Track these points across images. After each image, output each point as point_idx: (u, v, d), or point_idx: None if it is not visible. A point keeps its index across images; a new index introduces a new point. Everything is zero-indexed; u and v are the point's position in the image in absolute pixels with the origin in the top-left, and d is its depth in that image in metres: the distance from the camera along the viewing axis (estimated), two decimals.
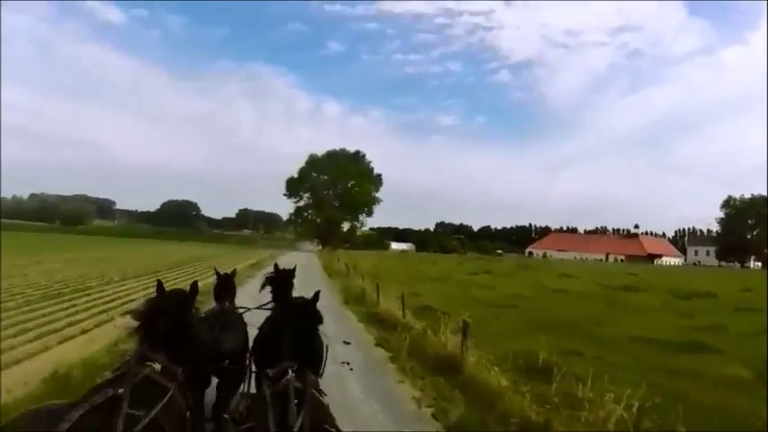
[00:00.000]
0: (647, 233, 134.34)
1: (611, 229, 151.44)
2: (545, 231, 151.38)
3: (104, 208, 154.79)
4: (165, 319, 3.21)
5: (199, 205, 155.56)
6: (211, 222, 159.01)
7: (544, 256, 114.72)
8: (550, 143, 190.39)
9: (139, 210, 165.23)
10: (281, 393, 2.86)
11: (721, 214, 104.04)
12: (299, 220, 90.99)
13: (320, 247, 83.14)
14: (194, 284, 3.61)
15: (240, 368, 4.91)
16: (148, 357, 2.92)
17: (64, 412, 2.24)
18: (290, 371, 3.08)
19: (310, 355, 3.57)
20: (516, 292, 22.88)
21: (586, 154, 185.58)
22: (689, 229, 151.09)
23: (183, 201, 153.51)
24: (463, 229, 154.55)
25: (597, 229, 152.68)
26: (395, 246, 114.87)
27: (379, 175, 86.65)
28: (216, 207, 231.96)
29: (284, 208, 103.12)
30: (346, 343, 10.74)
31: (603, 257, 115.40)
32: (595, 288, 25.99)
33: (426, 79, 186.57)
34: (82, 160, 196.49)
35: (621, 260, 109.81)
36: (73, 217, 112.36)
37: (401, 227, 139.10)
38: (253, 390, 4.57)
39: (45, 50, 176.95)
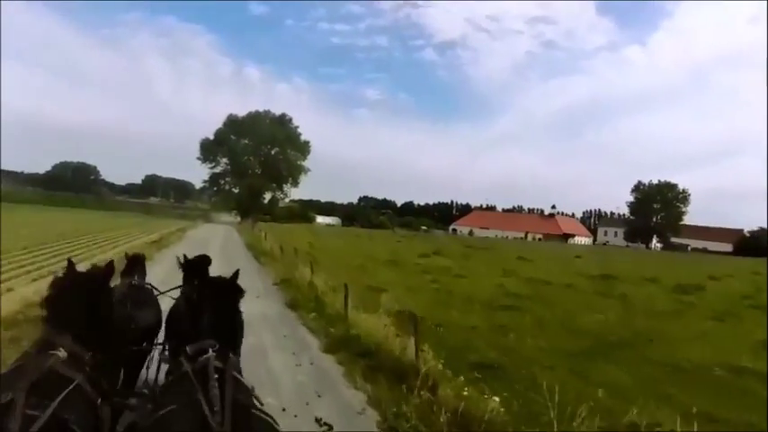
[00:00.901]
0: (559, 214, 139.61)
1: (526, 209, 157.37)
2: (465, 209, 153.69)
3: None
4: (73, 297, 2.82)
5: (99, 169, 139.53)
6: (114, 188, 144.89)
7: (470, 233, 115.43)
8: (472, 123, 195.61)
9: (27, 171, 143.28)
10: (200, 372, 2.61)
11: (631, 198, 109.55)
12: (215, 189, 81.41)
13: (239, 220, 75.13)
14: (110, 263, 3.22)
15: (150, 346, 4.61)
16: (53, 344, 2.56)
17: None
18: (210, 350, 2.79)
19: (231, 334, 3.17)
20: (497, 282, 18.54)
21: (505, 135, 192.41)
22: (595, 211, 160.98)
23: (79, 163, 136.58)
24: (387, 204, 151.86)
25: (514, 207, 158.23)
26: (320, 219, 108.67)
27: (307, 142, 79.02)
28: (120, 172, 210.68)
29: (198, 175, 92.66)
30: (323, 425, 5.39)
31: (523, 235, 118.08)
32: (575, 278, 22.39)
33: (352, 51, 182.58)
34: None
35: (539, 239, 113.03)
36: None
37: (323, 200, 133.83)
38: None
39: None
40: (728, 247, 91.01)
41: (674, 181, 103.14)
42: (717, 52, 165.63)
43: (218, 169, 78.86)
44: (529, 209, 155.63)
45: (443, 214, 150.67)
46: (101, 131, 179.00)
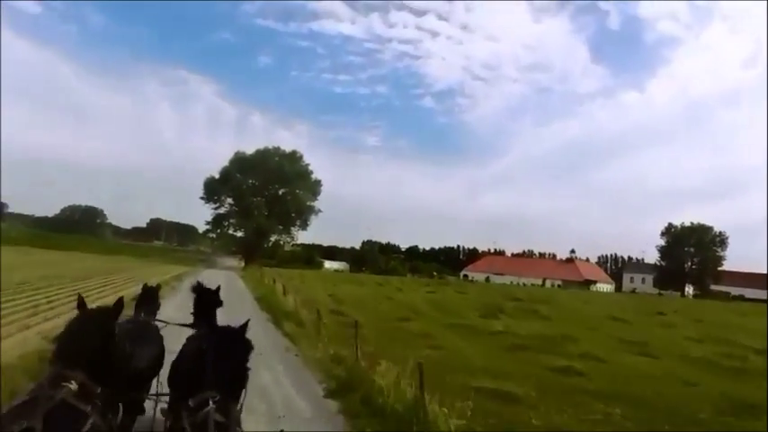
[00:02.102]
0: (577, 258, 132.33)
1: (537, 253, 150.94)
2: (473, 253, 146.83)
3: None
4: (85, 334, 2.93)
5: (105, 212, 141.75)
6: (119, 231, 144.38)
7: (487, 279, 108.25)
8: (471, 167, 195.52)
9: (36, 214, 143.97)
10: (199, 426, 2.67)
11: (661, 241, 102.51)
12: (219, 231, 74.56)
13: (243, 264, 68.05)
14: (120, 300, 3.30)
15: (147, 388, 4.62)
16: (65, 377, 2.62)
17: None
18: (210, 401, 2.83)
19: (234, 386, 3.22)
20: (666, 370, 11.64)
21: (504, 178, 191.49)
22: (611, 256, 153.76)
23: (87, 206, 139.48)
24: (392, 248, 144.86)
25: (524, 252, 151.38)
26: (327, 264, 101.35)
27: (318, 181, 72.85)
28: (126, 215, 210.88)
29: (202, 219, 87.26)
30: None
31: (540, 281, 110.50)
32: (749, 355, 15.25)
33: (354, 100, 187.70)
34: None
35: (558, 285, 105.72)
36: None
37: (325, 244, 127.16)
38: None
39: None
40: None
41: (677, 219, 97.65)
42: (714, 92, 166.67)
43: (222, 210, 72.67)
44: (540, 253, 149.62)
45: (449, 258, 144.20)
46: (108, 176, 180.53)
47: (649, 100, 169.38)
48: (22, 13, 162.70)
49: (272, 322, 16.41)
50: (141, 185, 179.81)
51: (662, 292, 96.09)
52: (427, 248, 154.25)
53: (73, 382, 2.56)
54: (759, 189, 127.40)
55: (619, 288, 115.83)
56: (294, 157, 73.10)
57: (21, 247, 63.45)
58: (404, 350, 13.04)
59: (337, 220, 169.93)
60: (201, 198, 71.49)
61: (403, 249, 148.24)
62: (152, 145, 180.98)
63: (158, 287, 5.67)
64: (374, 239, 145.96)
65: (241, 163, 72.02)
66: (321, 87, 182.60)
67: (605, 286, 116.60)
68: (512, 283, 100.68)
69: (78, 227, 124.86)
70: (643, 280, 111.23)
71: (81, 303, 3.17)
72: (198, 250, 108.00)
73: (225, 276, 42.73)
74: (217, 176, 71.54)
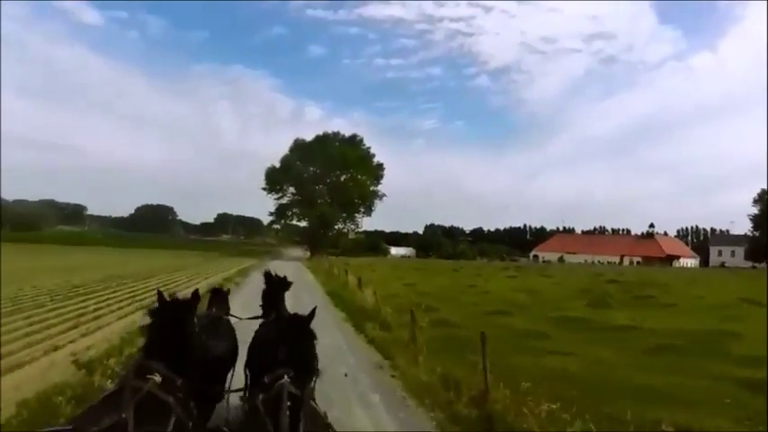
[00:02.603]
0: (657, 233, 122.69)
1: (609, 229, 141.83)
2: (540, 233, 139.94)
3: (73, 213, 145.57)
4: (166, 327, 3.00)
5: (176, 210, 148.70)
6: (189, 227, 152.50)
7: (561, 259, 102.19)
8: (530, 146, 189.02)
9: (113, 215, 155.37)
10: (274, 399, 2.65)
11: (755, 209, 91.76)
12: (282, 221, 73.92)
13: (308, 255, 67.17)
14: (195, 292, 3.44)
15: (224, 376, 4.67)
16: (148, 368, 2.70)
17: None
18: (285, 376, 2.90)
19: (307, 364, 3.31)
20: None
21: (565, 156, 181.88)
22: (692, 228, 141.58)
23: (158, 205, 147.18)
24: (456, 231, 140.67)
25: (595, 229, 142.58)
26: (394, 251, 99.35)
27: (380, 165, 70.29)
28: (194, 211, 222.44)
29: (267, 211, 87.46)
30: None
31: (617, 260, 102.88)
32: None
33: (407, 84, 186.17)
34: (52, 163, 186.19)
35: (638, 262, 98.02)
36: (25, 222, 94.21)
37: (387, 230, 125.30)
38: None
39: (15, 49, 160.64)
40: None
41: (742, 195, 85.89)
42: None
43: (284, 200, 71.88)
44: (613, 229, 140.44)
45: (515, 239, 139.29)
46: (177, 175, 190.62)
47: (723, 62, 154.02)
48: (87, 26, 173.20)
49: (350, 323, 13.98)
50: (207, 182, 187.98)
51: (756, 265, 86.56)
52: (492, 230, 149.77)
53: (157, 374, 2.61)
54: None
55: (705, 263, 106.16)
56: (354, 141, 70.97)
57: (95, 248, 65.73)
58: (520, 358, 10.26)
59: (397, 205, 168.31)
60: (263, 189, 71.03)
61: (467, 232, 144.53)
62: (214, 142, 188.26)
63: (228, 291, 5.83)
64: (437, 223, 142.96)
65: (301, 150, 70.69)
66: (374, 73, 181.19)
67: (690, 261, 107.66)
68: (586, 261, 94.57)
69: (151, 225, 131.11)
70: (733, 253, 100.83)
71: (160, 297, 3.16)
72: (264, 242, 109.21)
73: (292, 268, 41.20)
74: (277, 165, 70.70)
